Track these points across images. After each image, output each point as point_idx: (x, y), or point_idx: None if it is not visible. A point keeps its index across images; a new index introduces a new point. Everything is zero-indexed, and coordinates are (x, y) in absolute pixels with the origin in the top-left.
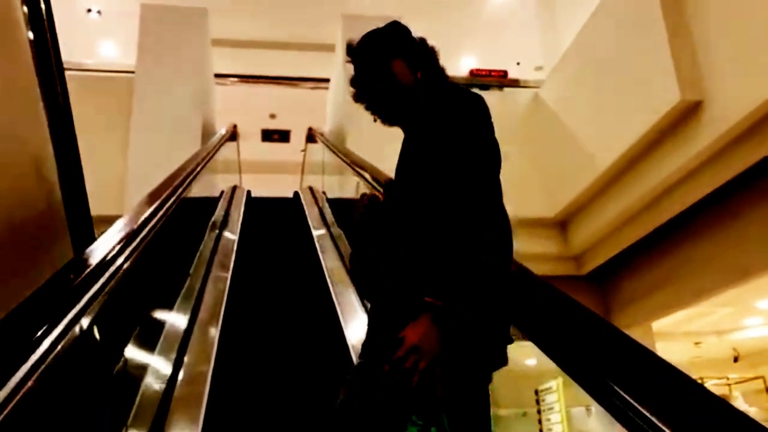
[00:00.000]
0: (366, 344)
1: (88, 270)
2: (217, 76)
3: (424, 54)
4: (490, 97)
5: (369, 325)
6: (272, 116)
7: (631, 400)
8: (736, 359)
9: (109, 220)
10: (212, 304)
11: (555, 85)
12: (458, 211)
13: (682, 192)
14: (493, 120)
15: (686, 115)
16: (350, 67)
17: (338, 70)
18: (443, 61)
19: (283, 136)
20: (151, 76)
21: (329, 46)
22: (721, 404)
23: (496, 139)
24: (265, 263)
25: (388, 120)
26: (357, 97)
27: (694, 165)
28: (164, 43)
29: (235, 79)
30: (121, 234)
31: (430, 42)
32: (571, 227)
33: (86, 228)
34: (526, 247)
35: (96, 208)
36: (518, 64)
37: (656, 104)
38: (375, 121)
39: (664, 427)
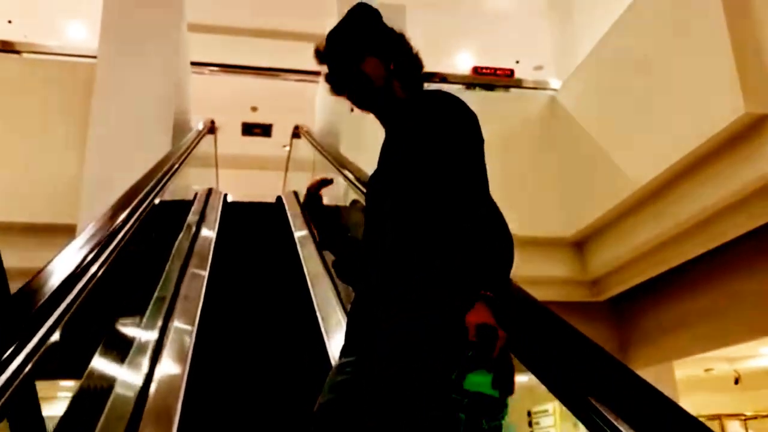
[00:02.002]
0: (346, 346)
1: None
2: (194, 64)
3: (395, 43)
4: (495, 99)
5: (350, 323)
6: (254, 109)
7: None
8: (736, 381)
9: (59, 230)
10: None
11: (577, 88)
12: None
13: (727, 222)
14: (500, 125)
15: (748, 131)
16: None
17: None
18: (438, 57)
19: (264, 130)
20: (116, 62)
21: (318, 37)
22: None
23: (483, 152)
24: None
25: (362, 108)
26: (333, 92)
27: (747, 192)
28: (133, 24)
29: (215, 68)
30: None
31: (400, 30)
32: (590, 249)
33: None
34: (537, 268)
35: (44, 216)
36: (517, 62)
37: (711, 116)
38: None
39: None
